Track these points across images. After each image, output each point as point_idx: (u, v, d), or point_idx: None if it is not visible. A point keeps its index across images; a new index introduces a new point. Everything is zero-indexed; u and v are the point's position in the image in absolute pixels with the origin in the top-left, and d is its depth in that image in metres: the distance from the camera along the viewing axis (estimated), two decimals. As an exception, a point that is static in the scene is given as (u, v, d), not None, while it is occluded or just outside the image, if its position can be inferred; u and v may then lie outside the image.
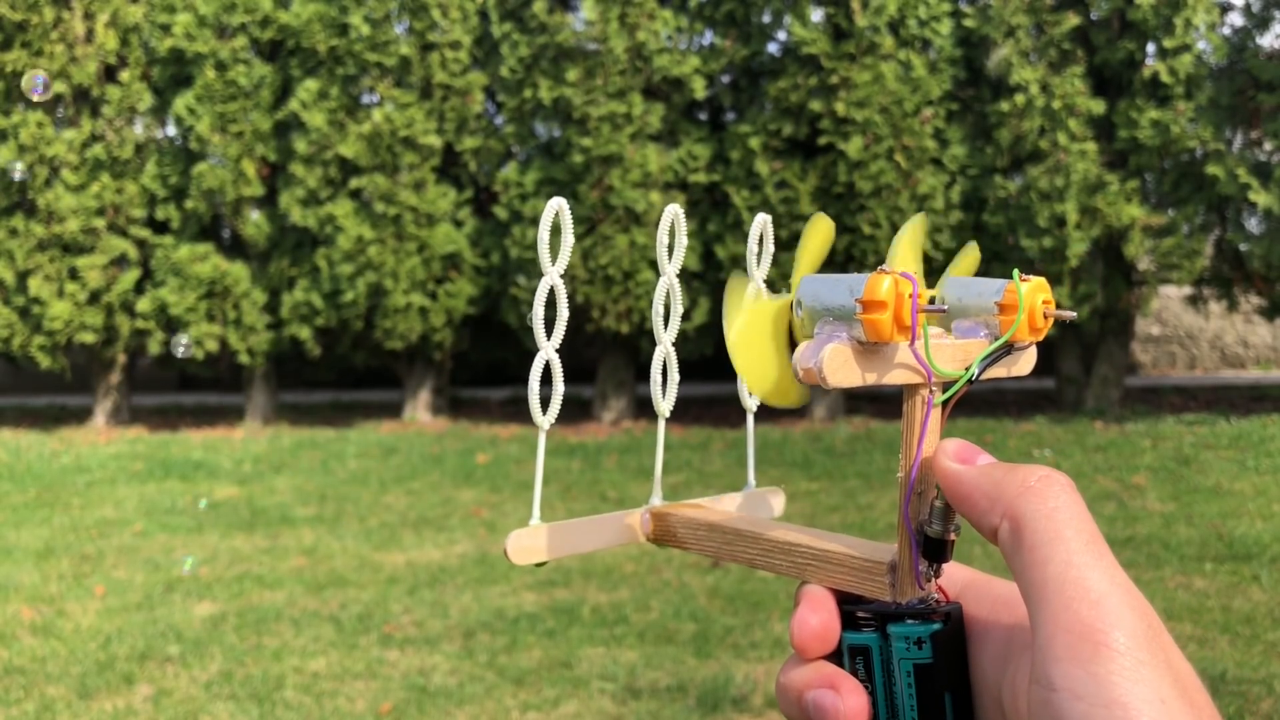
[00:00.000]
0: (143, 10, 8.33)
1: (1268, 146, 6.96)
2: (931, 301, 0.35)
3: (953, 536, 0.35)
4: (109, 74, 8.51)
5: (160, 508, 5.16)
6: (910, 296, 0.33)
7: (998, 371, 0.37)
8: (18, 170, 7.97)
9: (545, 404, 0.42)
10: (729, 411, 8.01)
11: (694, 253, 7.48)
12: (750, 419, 0.46)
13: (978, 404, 7.86)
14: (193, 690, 2.79)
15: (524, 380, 10.60)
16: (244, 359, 8.17)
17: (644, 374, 8.51)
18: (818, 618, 0.36)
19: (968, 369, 0.36)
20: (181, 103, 8.09)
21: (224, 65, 8.09)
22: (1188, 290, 8.62)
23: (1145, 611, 0.30)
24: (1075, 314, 0.38)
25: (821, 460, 5.73)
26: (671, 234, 0.44)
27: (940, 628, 0.35)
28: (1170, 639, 0.30)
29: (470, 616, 3.30)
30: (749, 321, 0.38)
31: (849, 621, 0.36)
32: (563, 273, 0.42)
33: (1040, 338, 0.36)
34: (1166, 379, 9.72)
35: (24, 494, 5.63)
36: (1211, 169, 6.75)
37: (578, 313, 7.65)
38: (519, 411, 8.44)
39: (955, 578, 0.37)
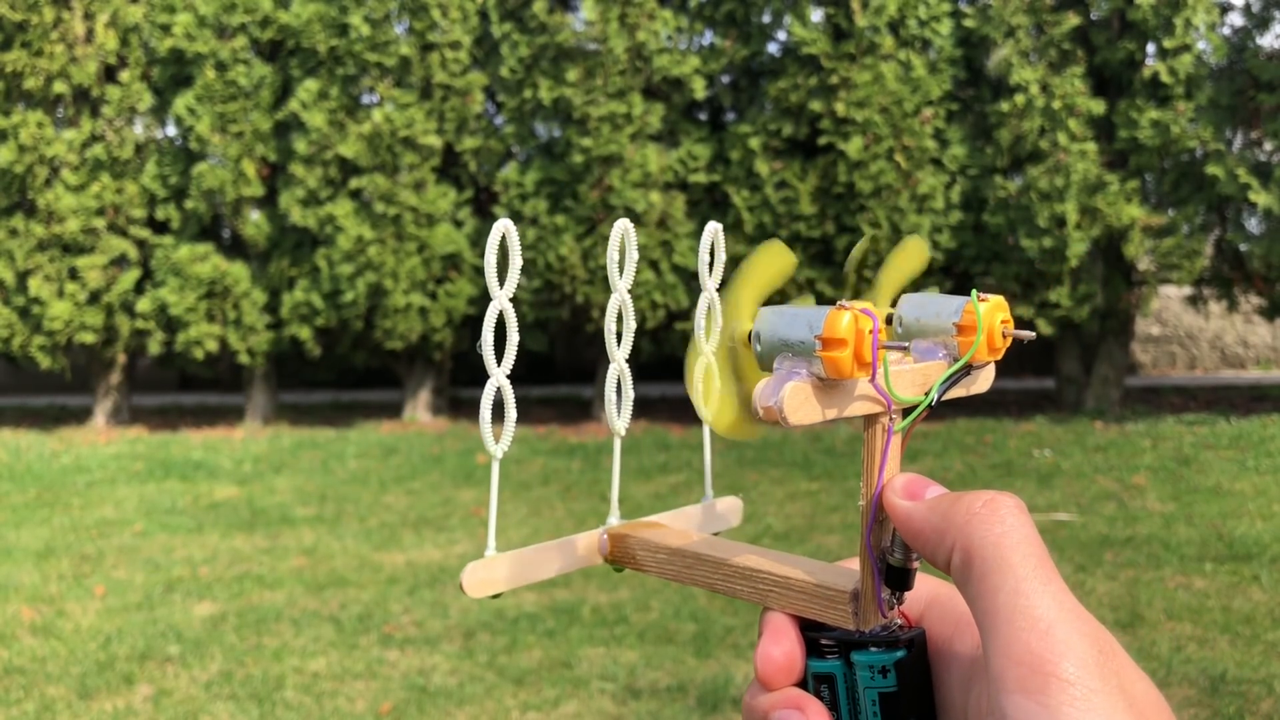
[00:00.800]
0: (143, 10, 8.33)
1: (1268, 146, 6.96)
2: (889, 322, 0.35)
3: (915, 564, 0.35)
4: (109, 74, 8.51)
5: (160, 508, 5.16)
6: (870, 333, 0.33)
7: (956, 392, 0.36)
8: None
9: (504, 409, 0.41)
10: (729, 411, 7.99)
11: (694, 253, 7.48)
12: (707, 430, 0.46)
13: (978, 404, 7.86)
14: (193, 690, 2.79)
15: (523, 381, 10.60)
16: (244, 359, 8.17)
17: (645, 374, 8.52)
18: (780, 649, 0.36)
19: (927, 393, 0.35)
20: (181, 103, 8.09)
21: (224, 65, 8.09)
22: (1188, 290, 8.62)
23: (1096, 637, 0.29)
24: (1034, 334, 0.38)
25: (821, 460, 5.73)
26: (621, 250, 0.44)
27: (904, 655, 0.35)
28: (1126, 660, 0.30)
29: (470, 616, 3.30)
30: (707, 372, 0.38)
31: (813, 648, 0.36)
32: (511, 296, 0.41)
33: (999, 357, 0.36)
34: (1166, 379, 9.72)
35: (24, 494, 5.63)
36: (1211, 169, 6.75)
37: (578, 313, 7.65)
38: (519, 411, 8.43)
39: (920, 592, 0.37)
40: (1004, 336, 0.36)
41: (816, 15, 7.42)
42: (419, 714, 2.58)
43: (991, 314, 0.35)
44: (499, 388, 0.41)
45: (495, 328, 0.40)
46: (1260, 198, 6.65)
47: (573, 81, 7.47)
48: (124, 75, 8.30)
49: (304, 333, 8.02)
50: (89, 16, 8.37)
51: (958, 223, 7.23)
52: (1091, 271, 7.17)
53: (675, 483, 5.41)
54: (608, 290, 7.41)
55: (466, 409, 8.69)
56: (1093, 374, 7.48)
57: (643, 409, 8.08)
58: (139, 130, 8.47)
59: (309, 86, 7.90)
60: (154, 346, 8.36)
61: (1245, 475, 4.88)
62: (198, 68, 8.13)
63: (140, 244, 8.47)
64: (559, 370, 10.26)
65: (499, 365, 0.41)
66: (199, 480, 5.92)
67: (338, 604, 3.50)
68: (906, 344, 0.35)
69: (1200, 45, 6.95)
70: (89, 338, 8.21)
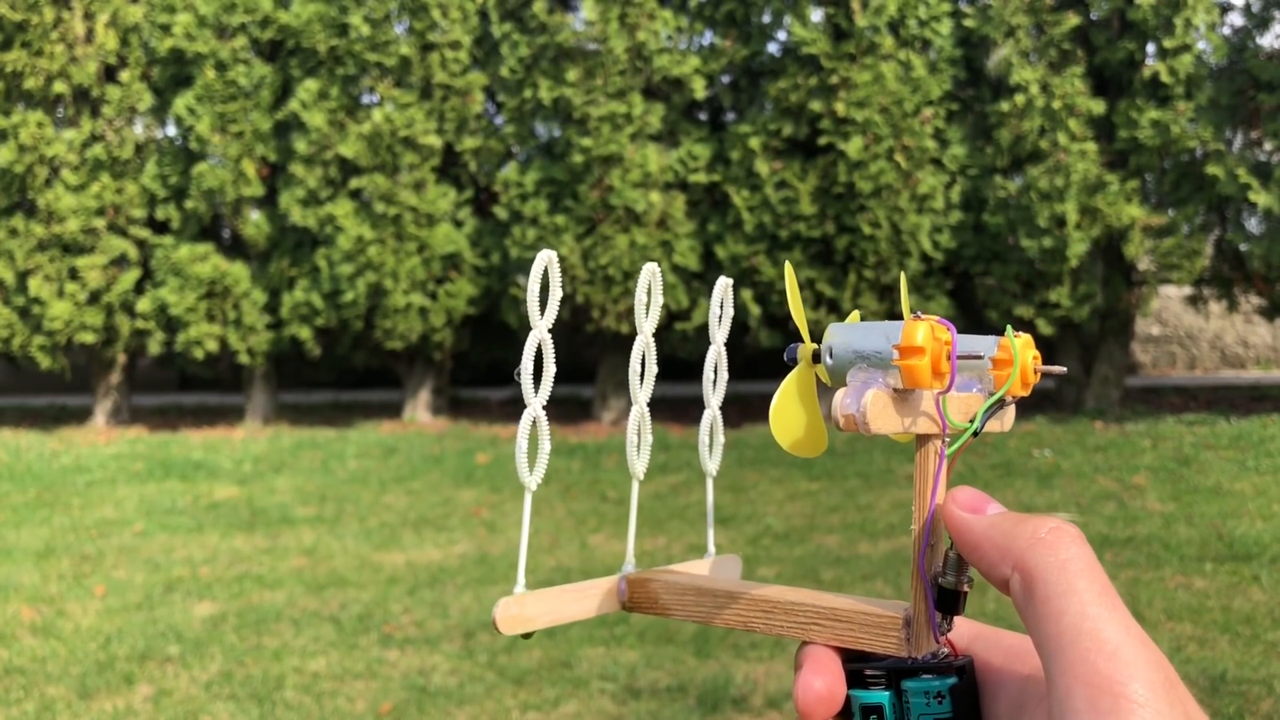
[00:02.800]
0: (143, 10, 8.33)
1: (1268, 146, 6.96)
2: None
3: (966, 588, 0.35)
4: (109, 74, 8.51)
5: (160, 508, 5.16)
6: (948, 344, 0.34)
7: (990, 426, 0.37)
8: None
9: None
10: (729, 412, 8.01)
11: (694, 253, 7.48)
12: (710, 483, 0.46)
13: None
14: (193, 690, 2.79)
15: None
16: (244, 359, 8.17)
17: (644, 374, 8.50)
18: (822, 680, 0.35)
19: (972, 421, 0.36)
20: (181, 103, 8.09)
21: (224, 65, 8.09)
22: (1188, 290, 8.62)
23: (1161, 663, 0.30)
24: (1065, 369, 0.39)
25: (821, 460, 5.73)
26: (649, 292, 0.44)
27: (957, 681, 0.35)
28: (1186, 690, 0.30)
29: (470, 616, 3.30)
30: (782, 388, 0.39)
31: (857, 680, 0.36)
32: (550, 327, 0.41)
33: (1028, 393, 0.37)
34: (1166, 379, 9.72)
35: (24, 494, 5.63)
36: (1211, 169, 6.75)
37: (578, 313, 7.65)
38: (519, 411, 8.41)
39: (962, 632, 0.37)
40: (1035, 372, 0.37)
41: (816, 15, 7.42)
42: (419, 714, 2.58)
43: (1025, 350, 0.36)
44: (535, 419, 0.41)
45: (535, 358, 0.40)
46: (1260, 198, 6.64)
47: (573, 81, 7.47)
48: (124, 75, 8.30)
49: (304, 333, 8.02)
50: (89, 16, 8.37)
51: (958, 223, 7.23)
52: (1091, 271, 7.17)
53: (675, 483, 5.41)
54: (608, 290, 7.42)
55: (466, 409, 8.69)
56: (1093, 374, 7.48)
57: (643, 409, 8.07)
58: (139, 130, 8.47)
59: (309, 86, 7.90)
60: (154, 346, 8.36)
61: (1245, 475, 4.88)
62: (198, 68, 8.13)
63: (140, 244, 8.47)
64: (559, 370, 10.24)
65: (536, 395, 0.41)
66: (199, 480, 5.92)
67: (338, 604, 3.50)
68: (980, 353, 0.36)
69: (1200, 45, 6.95)
70: (89, 338, 8.21)
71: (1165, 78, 6.87)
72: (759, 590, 0.39)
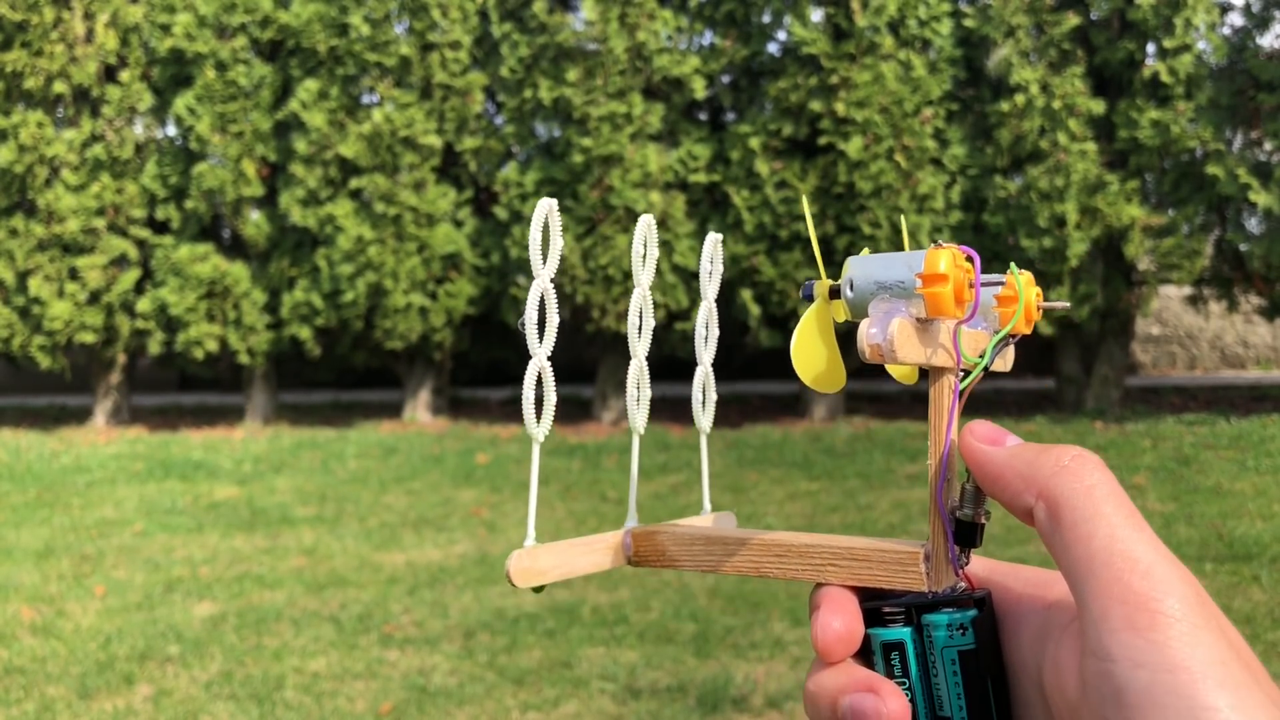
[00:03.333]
0: (143, 10, 8.33)
1: (1268, 146, 6.96)
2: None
3: (984, 520, 0.35)
4: (109, 74, 8.51)
5: (160, 508, 5.16)
6: (970, 272, 0.34)
7: (995, 365, 0.37)
8: None
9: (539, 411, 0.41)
10: (729, 411, 8.01)
11: (694, 253, 7.48)
12: (704, 440, 0.46)
13: (978, 404, 7.85)
14: (193, 690, 2.79)
15: (524, 381, 10.56)
16: (244, 359, 8.17)
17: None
18: (841, 620, 0.35)
19: (981, 356, 0.36)
20: (181, 103, 8.10)
21: (224, 65, 8.09)
22: (1188, 290, 8.62)
23: (1191, 580, 0.30)
24: (1068, 304, 0.39)
25: (821, 460, 5.73)
26: (645, 244, 0.44)
27: (978, 613, 0.35)
28: (1216, 606, 0.30)
29: (470, 616, 3.30)
30: (801, 324, 0.39)
31: (876, 619, 0.36)
32: (553, 277, 0.41)
33: (1030, 330, 0.37)
34: (1166, 379, 9.72)
35: (24, 494, 5.63)
36: (1211, 169, 6.75)
37: (577, 313, 7.65)
38: (519, 412, 8.43)
39: (977, 569, 0.37)
40: (1038, 309, 0.37)
41: (816, 15, 7.42)
42: (419, 714, 2.58)
43: (1028, 287, 0.37)
44: (540, 369, 0.41)
45: (539, 307, 0.40)
46: (1260, 198, 6.64)
47: (573, 81, 7.47)
48: (124, 75, 8.30)
49: (304, 333, 8.02)
50: (89, 16, 8.37)
51: (958, 223, 7.23)
52: (1091, 271, 7.17)
53: (675, 483, 5.41)
54: (608, 290, 7.42)
55: (466, 409, 8.69)
56: (1093, 374, 7.48)
57: (643, 409, 8.07)
58: (139, 130, 8.47)
59: (309, 86, 7.90)
60: (154, 346, 8.36)
61: (1245, 475, 4.88)
62: (198, 68, 8.13)
63: (140, 244, 8.48)
64: (559, 370, 10.24)
65: (540, 345, 0.41)
66: (199, 480, 5.92)
67: (338, 604, 3.50)
68: (1003, 278, 0.36)
69: (1200, 45, 6.95)
70: (89, 338, 8.21)
71: (1165, 78, 6.87)
72: (770, 535, 0.39)
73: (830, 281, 0.39)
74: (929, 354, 0.35)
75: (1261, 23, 6.99)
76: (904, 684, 0.35)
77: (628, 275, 7.43)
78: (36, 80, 8.18)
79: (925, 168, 7.13)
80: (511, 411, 8.53)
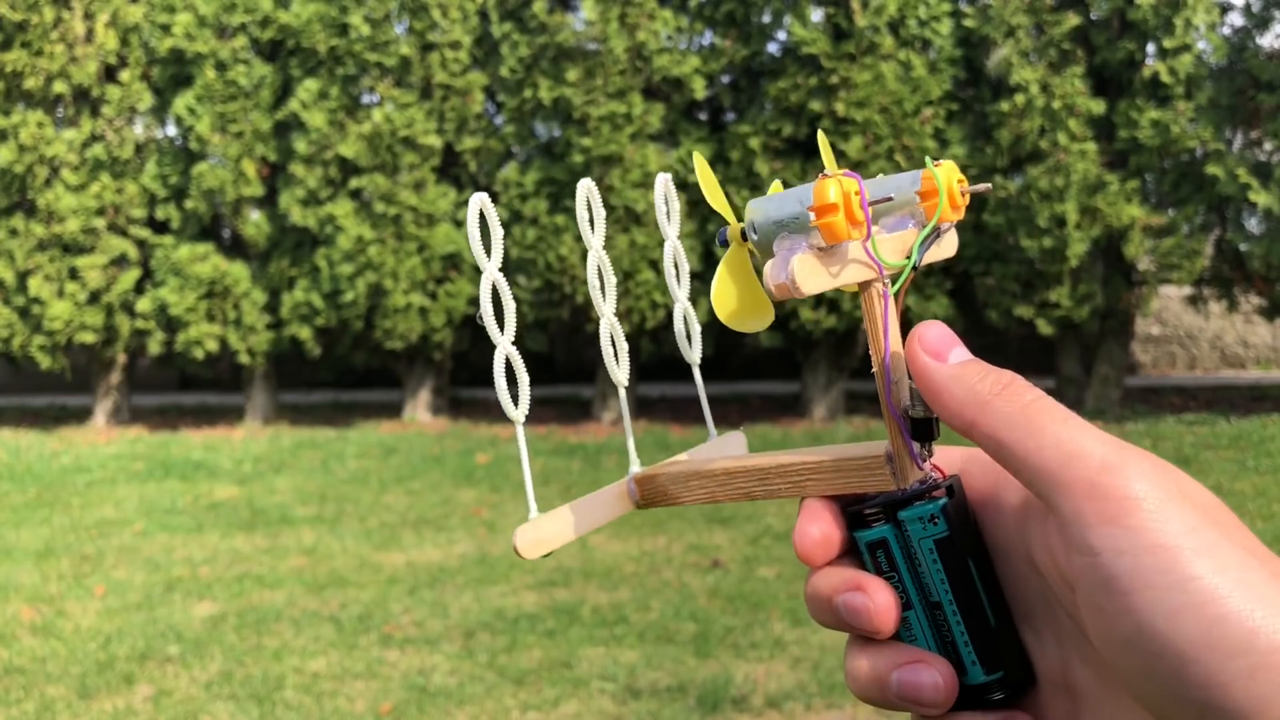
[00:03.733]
0: (143, 10, 8.33)
1: (1268, 146, 6.96)
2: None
3: (937, 414, 0.36)
4: (109, 74, 8.51)
5: (160, 508, 5.16)
6: (858, 194, 0.35)
7: (931, 255, 0.38)
8: None
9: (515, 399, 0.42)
10: (728, 411, 8.01)
11: (694, 253, 7.48)
12: (696, 371, 0.48)
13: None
14: (193, 690, 2.79)
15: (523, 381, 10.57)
16: (244, 359, 8.17)
17: (644, 374, 8.52)
18: (817, 526, 0.37)
19: (909, 256, 0.37)
20: (181, 103, 8.10)
21: (224, 65, 8.09)
22: (1188, 290, 8.62)
23: (1147, 455, 0.31)
24: (989, 186, 0.40)
25: (821, 460, 5.72)
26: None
27: (947, 501, 0.36)
28: (1174, 468, 0.32)
29: (470, 616, 3.30)
30: (719, 268, 0.40)
31: (858, 521, 0.37)
32: (500, 266, 0.42)
33: (961, 216, 0.38)
34: (1166, 379, 9.72)
35: (24, 494, 5.63)
36: (1211, 169, 6.75)
37: (577, 313, 7.65)
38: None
39: (953, 457, 0.38)
40: (962, 194, 0.38)
41: (816, 15, 7.42)
42: (419, 714, 2.58)
43: (948, 175, 0.38)
44: (507, 355, 0.41)
45: (492, 298, 0.41)
46: (1260, 198, 6.65)
47: (573, 81, 7.47)
48: (124, 75, 8.30)
49: (304, 333, 8.02)
50: (89, 16, 8.37)
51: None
52: (1091, 271, 7.18)
53: (675, 483, 5.40)
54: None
55: (466, 409, 8.69)
56: (1093, 374, 7.48)
57: (643, 409, 8.08)
58: (139, 130, 8.48)
59: (309, 86, 7.90)
60: (154, 346, 8.36)
61: (1245, 475, 4.87)
62: (198, 68, 8.13)
63: (140, 244, 8.48)
64: (559, 370, 10.26)
65: (503, 333, 0.42)
66: (199, 480, 5.92)
67: (338, 604, 3.50)
68: (891, 195, 0.37)
69: (1200, 45, 6.95)
70: (89, 338, 8.21)
71: (1165, 78, 6.87)
72: (752, 460, 0.41)
73: (740, 225, 0.40)
74: (841, 276, 0.36)
75: (1261, 23, 6.99)
76: (893, 578, 0.37)
77: (628, 275, 7.43)
78: (36, 80, 8.18)
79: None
80: (511, 411, 8.51)
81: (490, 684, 2.74)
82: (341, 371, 10.30)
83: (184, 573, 3.94)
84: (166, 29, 8.19)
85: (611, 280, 0.45)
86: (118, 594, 3.69)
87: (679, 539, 4.22)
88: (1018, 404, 0.33)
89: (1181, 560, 0.29)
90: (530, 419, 8.08)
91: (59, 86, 8.21)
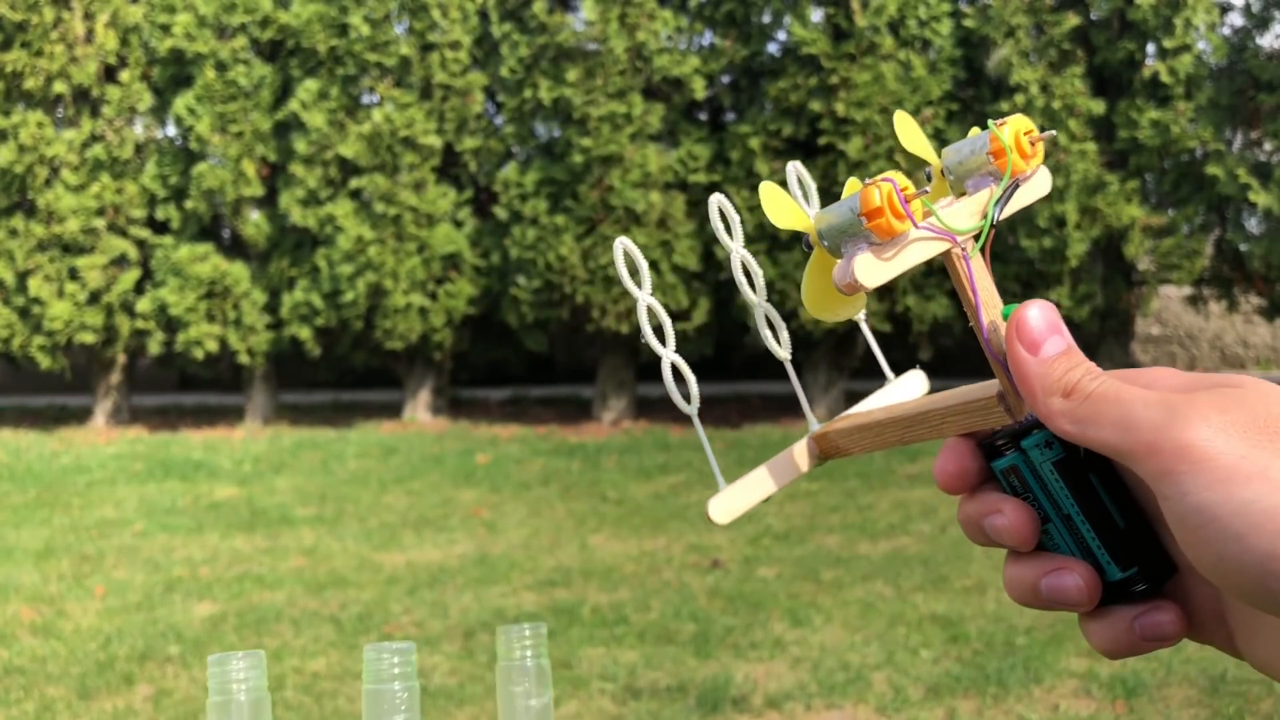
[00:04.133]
0: (143, 10, 8.33)
1: (1268, 146, 6.96)
2: (942, 175, 0.43)
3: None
4: (109, 74, 8.51)
5: (160, 508, 5.16)
6: (895, 192, 0.39)
7: (1020, 202, 0.42)
8: None
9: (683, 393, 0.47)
10: (729, 411, 8.01)
11: (694, 253, 7.49)
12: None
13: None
14: (193, 690, 2.79)
15: (523, 381, 10.60)
16: (244, 359, 8.17)
17: (644, 374, 8.52)
18: (951, 461, 0.42)
19: (986, 216, 0.41)
20: (181, 103, 8.10)
21: (224, 65, 8.09)
22: (1188, 290, 8.62)
23: (1193, 398, 0.35)
24: (1054, 132, 0.43)
25: (821, 460, 5.72)
26: (725, 217, 0.51)
27: None
28: (1233, 392, 0.35)
29: (470, 616, 3.30)
30: (805, 275, 0.46)
31: (992, 452, 0.42)
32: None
33: (1038, 162, 0.42)
34: (1166, 379, 9.70)
35: (24, 494, 5.63)
36: (1211, 169, 6.75)
37: (577, 313, 7.65)
38: (519, 411, 8.44)
39: None
40: (1031, 144, 0.41)
41: (816, 15, 7.42)
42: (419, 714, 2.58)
43: (1014, 129, 0.41)
44: (673, 362, 0.47)
45: (649, 318, 0.48)
46: (1260, 198, 6.65)
47: (573, 81, 7.47)
48: (124, 75, 8.30)
49: (304, 333, 8.02)
50: (89, 16, 8.37)
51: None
52: (1091, 271, 7.18)
53: (675, 483, 5.41)
54: (608, 290, 7.42)
55: (466, 409, 8.69)
56: (1093, 374, 7.48)
57: (643, 409, 8.08)
58: (139, 130, 8.48)
59: (309, 86, 7.90)
60: (154, 346, 8.36)
61: (1245, 475, 4.87)
62: (198, 68, 8.13)
63: (140, 244, 8.48)
64: (559, 370, 10.26)
65: (665, 346, 0.48)
66: (199, 480, 5.92)
67: (338, 604, 3.50)
68: (927, 188, 0.41)
69: (1200, 45, 6.95)
70: (89, 338, 8.21)
71: (1165, 78, 6.87)
72: (899, 410, 0.46)
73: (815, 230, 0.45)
74: (903, 263, 0.40)
75: (1261, 23, 6.99)
76: (1029, 497, 0.41)
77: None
78: (36, 80, 8.18)
79: (925, 168, 7.13)
80: (511, 411, 8.53)
81: (490, 684, 2.74)
82: (341, 371, 10.30)
83: (184, 573, 3.94)
84: (166, 29, 8.19)
85: (759, 273, 0.51)
86: (118, 594, 3.69)
87: (679, 539, 4.22)
88: (1079, 398, 0.37)
89: (1235, 489, 0.33)
90: (530, 419, 8.08)
91: (59, 86, 8.21)
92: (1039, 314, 0.39)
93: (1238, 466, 0.33)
